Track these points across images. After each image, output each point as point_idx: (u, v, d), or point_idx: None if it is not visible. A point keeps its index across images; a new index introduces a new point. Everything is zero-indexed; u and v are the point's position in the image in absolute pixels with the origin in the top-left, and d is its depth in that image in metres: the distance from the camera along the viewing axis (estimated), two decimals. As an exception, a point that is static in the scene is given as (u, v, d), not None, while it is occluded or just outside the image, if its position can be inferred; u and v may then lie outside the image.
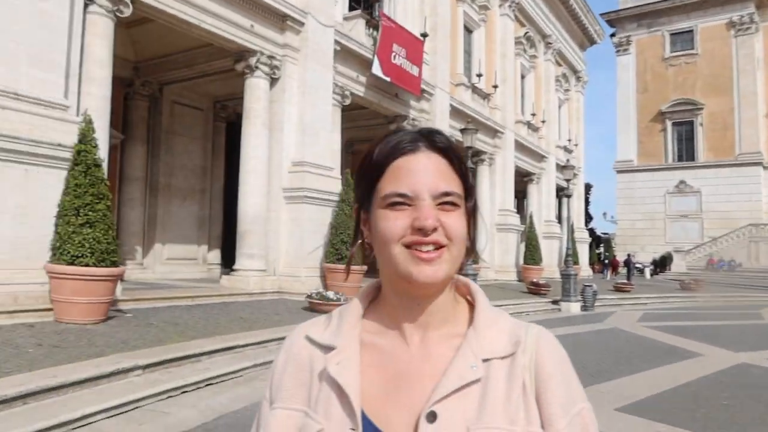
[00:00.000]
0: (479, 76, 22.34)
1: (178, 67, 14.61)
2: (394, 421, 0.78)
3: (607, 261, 38.81)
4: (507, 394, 0.78)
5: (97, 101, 9.53)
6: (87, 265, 7.45)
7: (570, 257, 18.20)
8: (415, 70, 17.06)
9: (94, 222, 7.64)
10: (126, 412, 5.02)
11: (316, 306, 10.55)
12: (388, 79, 15.87)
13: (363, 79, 15.94)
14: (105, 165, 8.59)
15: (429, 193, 0.80)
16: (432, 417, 0.76)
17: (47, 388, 4.88)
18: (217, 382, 6.22)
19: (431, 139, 0.84)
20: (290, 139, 13.35)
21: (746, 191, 41.69)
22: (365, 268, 13.32)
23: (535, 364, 0.81)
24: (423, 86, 17.93)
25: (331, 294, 10.77)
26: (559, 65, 32.15)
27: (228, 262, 14.27)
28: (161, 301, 10.14)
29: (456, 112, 20.23)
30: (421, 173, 0.81)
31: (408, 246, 0.79)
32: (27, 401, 4.69)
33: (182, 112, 16.20)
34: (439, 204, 0.80)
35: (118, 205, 14.45)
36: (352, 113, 17.32)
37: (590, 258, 36.87)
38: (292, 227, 13.08)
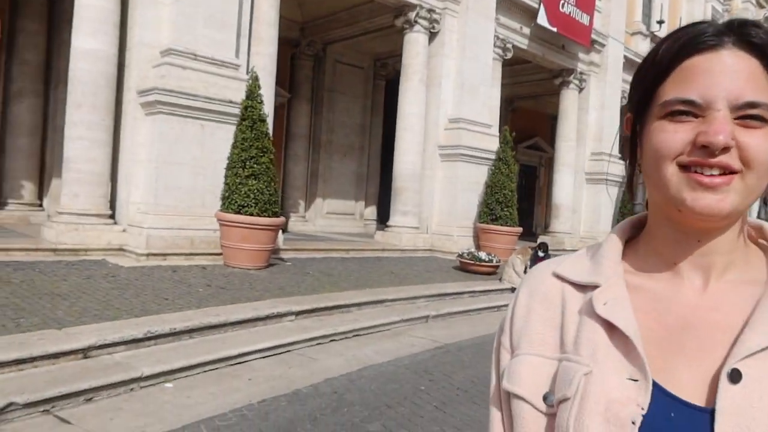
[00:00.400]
0: (660, 23, 20.04)
1: (340, 25, 14.89)
2: (682, 377, 0.64)
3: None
4: None
5: (264, 60, 9.98)
6: (251, 215, 7.93)
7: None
8: (585, 19, 15.73)
9: (259, 174, 8.08)
10: (278, 354, 5.27)
11: (467, 266, 10.36)
12: (554, 29, 14.81)
13: (526, 30, 15.03)
14: (271, 121, 9.05)
15: (727, 101, 0.63)
16: (736, 376, 0.61)
17: (210, 325, 5.27)
18: (364, 334, 6.32)
19: (744, 33, 0.65)
20: (447, 95, 13.06)
21: None
22: (520, 229, 12.95)
23: None
24: (593, 36, 16.50)
25: (483, 255, 10.50)
26: (762, 7, 27.84)
27: (383, 218, 14.55)
28: (318, 252, 10.61)
29: (632, 65, 18.38)
30: (721, 75, 0.64)
31: (685, 167, 0.65)
32: (193, 335, 5.10)
33: (343, 71, 16.57)
34: (740, 118, 0.63)
35: (284, 160, 15.33)
36: (514, 68, 16.52)
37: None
38: (447, 185, 12.91)
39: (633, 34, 19.45)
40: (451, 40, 13.04)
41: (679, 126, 0.65)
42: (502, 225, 12.37)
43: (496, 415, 0.78)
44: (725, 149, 0.63)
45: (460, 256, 10.60)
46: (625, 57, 18.20)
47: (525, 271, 9.53)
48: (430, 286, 8.57)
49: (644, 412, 0.62)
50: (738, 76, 0.64)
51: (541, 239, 12.41)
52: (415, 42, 12.66)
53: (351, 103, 16.81)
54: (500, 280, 9.74)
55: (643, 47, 19.67)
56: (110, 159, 8.76)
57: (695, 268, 0.71)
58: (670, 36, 0.69)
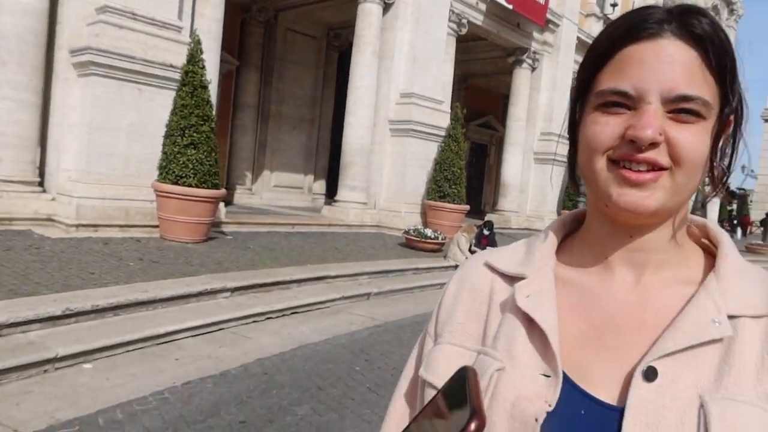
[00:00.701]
0: (614, 6, 20.24)
1: (293, -9, 14.42)
2: (597, 374, 0.63)
3: (735, 221, 35.44)
4: (762, 363, 0.60)
5: (210, 23, 9.53)
6: (189, 186, 7.62)
7: (698, 212, 16.55)
8: (540, -2, 15.72)
9: (198, 143, 7.75)
10: (209, 332, 5.09)
11: (412, 242, 10.32)
12: (510, 6, 14.74)
13: (482, 6, 14.90)
14: (214, 88, 8.67)
15: (659, 94, 0.60)
16: (651, 374, 0.60)
17: (137, 302, 5.02)
18: (302, 311, 6.19)
19: (685, 22, 0.62)
20: (400, 68, 12.85)
21: None
22: (467, 207, 13.00)
23: None
24: (549, 16, 16.53)
25: (429, 231, 10.48)
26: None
27: (332, 193, 14.33)
28: (262, 226, 10.35)
29: (584, 47, 18.54)
30: (655, 66, 0.61)
31: (615, 161, 0.63)
32: (118, 313, 4.85)
33: (295, 40, 16.09)
34: (673, 112, 0.61)
35: (230, 130, 14.85)
36: (468, 45, 16.39)
37: (720, 215, 33.81)
38: (396, 161, 12.79)
39: (587, 15, 19.59)
40: (405, 13, 12.78)
41: (611, 118, 0.63)
42: (449, 202, 12.36)
43: (396, 407, 0.78)
44: (653, 144, 0.60)
45: (406, 232, 10.54)
46: (578, 38, 18.34)
47: (470, 249, 9.56)
48: (374, 263, 8.48)
49: (550, 409, 0.60)
50: (673, 68, 0.61)
51: (487, 217, 12.48)
52: (368, 13, 12.35)
53: (303, 73, 16.39)
54: (445, 257, 9.74)
55: (596, 29, 19.85)
56: (39, 122, 8.23)
57: (627, 264, 0.69)
58: (614, 21, 0.66)
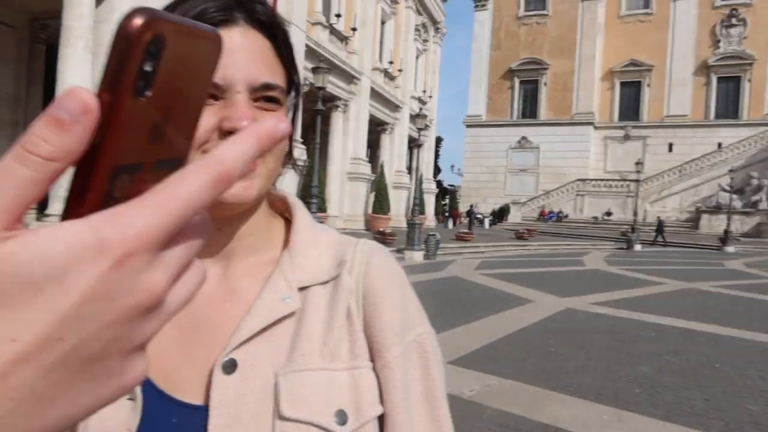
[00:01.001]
0: (338, 16, 21.57)
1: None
2: (185, 377, 0.61)
3: (447, 213, 41.00)
4: (327, 326, 0.65)
5: None
6: None
7: (417, 207, 18.57)
8: None
9: None
10: None
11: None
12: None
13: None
14: None
15: (246, 82, 0.60)
16: (230, 366, 0.60)
17: None
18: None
19: (250, 10, 0.62)
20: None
21: (578, 148, 45.78)
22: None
23: (363, 286, 0.68)
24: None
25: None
26: (420, 14, 32.23)
27: (41, 206, 12.55)
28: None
29: (312, 53, 19.37)
30: (238, 55, 0.60)
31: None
32: None
33: (-14, 28, 13.72)
34: (257, 100, 0.61)
35: None
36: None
37: (436, 208, 38.56)
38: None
39: (314, 24, 20.48)
40: (122, 5, 11.79)
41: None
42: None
43: None
44: None
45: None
46: (306, 46, 19.07)
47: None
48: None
49: None
50: (254, 57, 0.61)
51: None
52: (77, 2, 11.07)
53: (0, 69, 14.06)
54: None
55: (323, 37, 20.92)
56: None
57: (218, 258, 0.67)
58: (185, 7, 0.60)
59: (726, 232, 30.85)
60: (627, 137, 45.99)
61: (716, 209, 37.98)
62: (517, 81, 47.81)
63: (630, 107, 46.53)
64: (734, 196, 35.66)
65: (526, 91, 47.86)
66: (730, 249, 29.17)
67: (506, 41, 48.15)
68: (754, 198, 38.30)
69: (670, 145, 44.78)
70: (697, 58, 44.37)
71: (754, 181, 38.48)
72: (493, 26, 48.88)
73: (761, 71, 42.50)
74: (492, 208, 44.71)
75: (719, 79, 44.01)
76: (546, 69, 46.72)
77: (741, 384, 5.48)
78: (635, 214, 32.37)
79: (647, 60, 45.57)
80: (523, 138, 47.09)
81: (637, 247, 28.42)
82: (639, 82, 46.28)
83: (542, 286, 12.04)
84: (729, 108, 43.73)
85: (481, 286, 11.92)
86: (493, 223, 41.89)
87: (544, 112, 47.06)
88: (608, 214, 41.97)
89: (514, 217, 43.37)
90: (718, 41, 43.89)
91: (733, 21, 43.36)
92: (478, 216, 38.73)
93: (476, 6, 49.75)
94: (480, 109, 49.09)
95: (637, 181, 33.44)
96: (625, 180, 41.85)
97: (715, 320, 8.72)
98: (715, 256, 24.44)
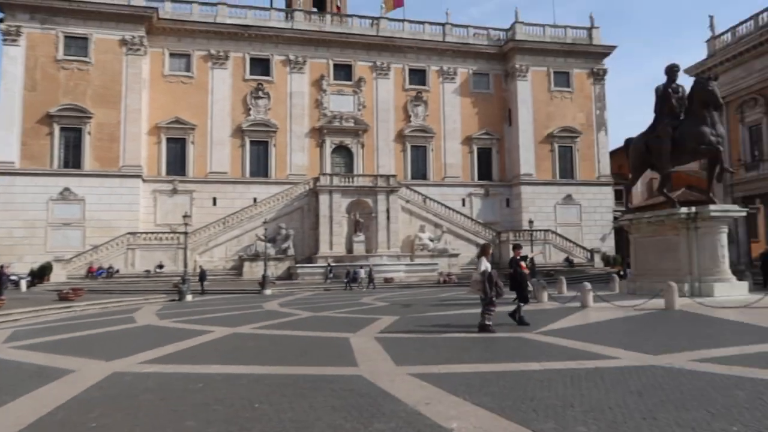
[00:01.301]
0: None
1: None
2: None
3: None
4: None
5: None
6: None
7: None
8: None
9: None
10: None
11: None
12: None
13: None
14: None
15: None
16: None
17: None
18: None
19: None
20: None
21: (127, 201, 44.63)
22: None
23: None
24: None
25: None
26: None
27: None
28: None
29: None
30: None
31: None
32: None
33: None
34: None
35: None
36: None
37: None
38: None
39: None
40: None
41: None
42: None
43: None
44: None
45: None
46: None
47: None
48: None
49: None
50: None
51: None
52: None
53: None
54: None
55: None
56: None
57: None
58: None
59: (264, 277, 35.02)
60: (175, 191, 47.40)
61: (255, 257, 42.75)
62: (57, 127, 43.75)
63: (177, 162, 48.22)
64: (268, 245, 41.36)
65: (68, 139, 44.19)
66: (267, 292, 33.19)
67: (44, 83, 43.74)
68: (284, 245, 44.91)
69: (215, 199, 48.30)
70: (233, 121, 49.72)
71: (283, 231, 45.33)
72: (27, 65, 43.68)
73: (283, 138, 50.66)
74: (30, 268, 39.45)
75: (252, 142, 50.25)
76: (90, 117, 44.33)
77: (276, 419, 5.88)
78: (185, 265, 33.53)
79: (191, 119, 48.42)
80: (66, 189, 43.23)
81: (189, 298, 29.45)
82: (184, 138, 48.56)
83: (87, 351, 11.16)
84: (261, 168, 50.26)
85: (8, 363, 10.30)
86: (32, 284, 37.12)
87: (89, 162, 44.32)
88: (160, 266, 42.06)
89: (59, 276, 39.14)
90: (249, 109, 50.34)
91: (260, 93, 50.53)
92: (12, 278, 33.64)
93: (6, 40, 43.75)
94: (12, 155, 42.84)
95: (185, 233, 34.81)
96: (175, 232, 42.82)
97: (255, 361, 9.59)
98: (256, 300, 27.27)
